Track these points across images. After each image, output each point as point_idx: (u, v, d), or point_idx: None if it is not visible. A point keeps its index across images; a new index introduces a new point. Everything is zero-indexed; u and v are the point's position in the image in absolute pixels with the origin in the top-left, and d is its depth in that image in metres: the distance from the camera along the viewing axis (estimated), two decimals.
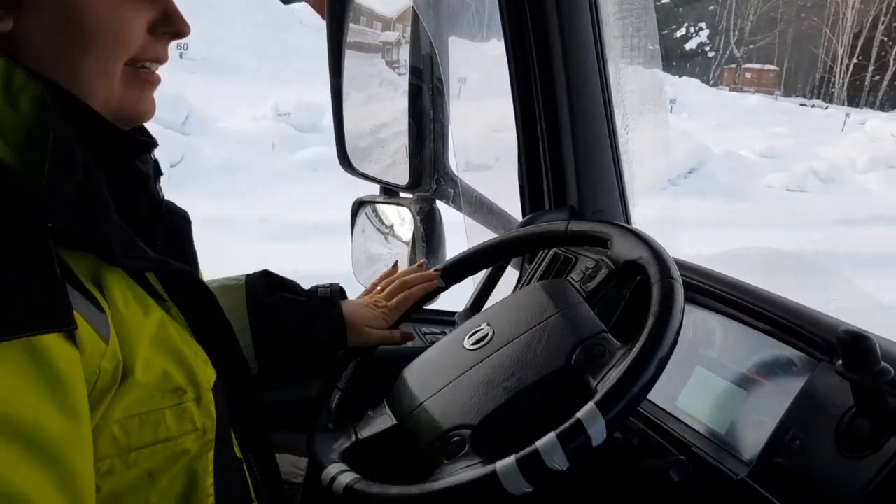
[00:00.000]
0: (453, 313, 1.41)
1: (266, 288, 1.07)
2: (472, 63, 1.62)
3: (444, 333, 1.27)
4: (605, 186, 1.44)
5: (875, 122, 17.70)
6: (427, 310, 1.44)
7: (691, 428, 1.02)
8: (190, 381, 0.71)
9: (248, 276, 1.09)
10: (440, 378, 0.97)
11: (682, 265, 1.13)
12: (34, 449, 0.54)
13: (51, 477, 0.55)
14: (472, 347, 0.99)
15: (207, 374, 0.74)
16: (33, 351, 0.55)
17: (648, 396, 1.06)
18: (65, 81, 0.67)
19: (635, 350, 0.78)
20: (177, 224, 0.81)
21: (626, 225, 1.10)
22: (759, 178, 11.58)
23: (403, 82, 1.69)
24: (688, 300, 1.11)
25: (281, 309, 1.06)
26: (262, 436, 0.85)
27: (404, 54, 1.69)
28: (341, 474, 0.83)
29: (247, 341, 1.02)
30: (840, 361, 0.78)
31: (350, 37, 1.70)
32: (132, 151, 0.75)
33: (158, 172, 0.83)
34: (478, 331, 1.01)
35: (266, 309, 1.05)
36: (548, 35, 1.38)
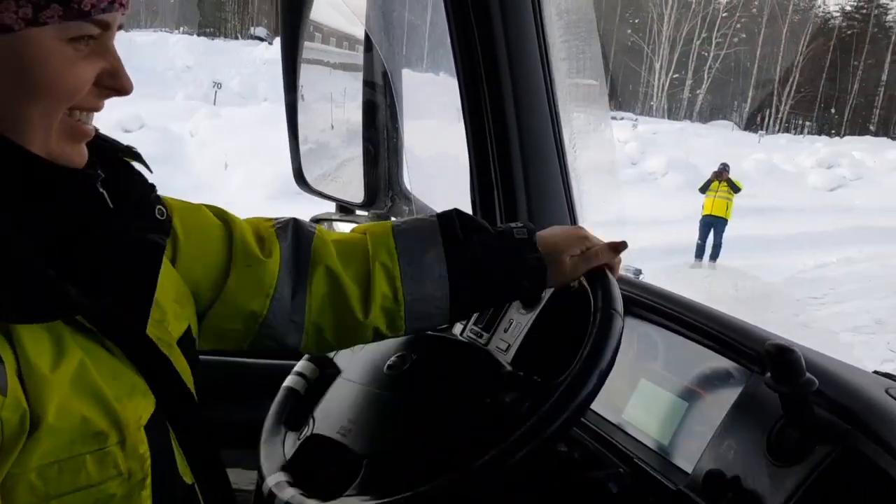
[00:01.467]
0: None
1: (461, 229, 1.04)
2: (422, 83, 1.65)
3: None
4: (554, 202, 1.47)
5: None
6: None
7: (636, 440, 1.06)
8: (113, 424, 0.70)
9: (440, 215, 1.07)
10: (360, 396, 1.02)
11: (625, 280, 1.17)
12: None
13: None
14: (387, 372, 1.03)
15: (139, 411, 0.74)
16: None
17: (595, 409, 1.11)
18: (5, 128, 0.68)
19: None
20: (138, 258, 0.79)
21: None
22: None
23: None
24: (632, 315, 1.15)
25: (477, 251, 1.03)
26: (212, 458, 0.85)
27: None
28: (279, 486, 0.86)
29: (444, 291, 1.02)
30: (769, 374, 0.82)
31: (307, 54, 1.72)
32: (74, 184, 0.74)
33: (144, 205, 0.82)
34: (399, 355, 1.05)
35: (464, 256, 1.03)
36: (496, 57, 1.41)
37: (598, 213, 1.52)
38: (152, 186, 0.84)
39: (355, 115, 1.74)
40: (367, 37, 1.60)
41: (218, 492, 0.85)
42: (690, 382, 1.04)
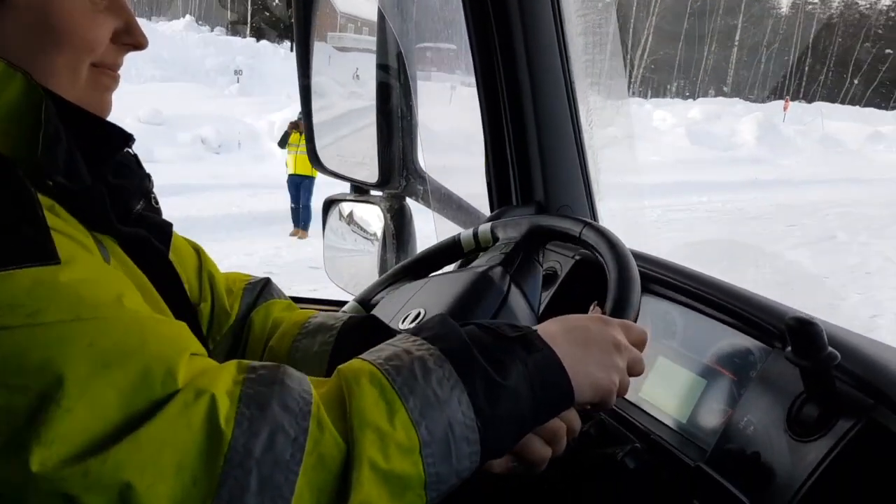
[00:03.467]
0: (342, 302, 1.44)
1: (362, 338, 0.90)
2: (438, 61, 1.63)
3: None
4: (570, 181, 1.46)
5: None
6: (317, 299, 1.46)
7: (653, 417, 1.05)
8: None
9: (350, 319, 1.00)
10: None
11: (642, 257, 1.15)
12: None
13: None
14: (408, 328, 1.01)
15: None
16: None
17: None
18: (35, 76, 0.71)
19: None
20: (154, 234, 0.84)
21: (589, 221, 1.12)
22: None
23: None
24: (649, 291, 1.14)
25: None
26: None
27: None
28: None
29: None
30: (789, 348, 0.80)
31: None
32: (112, 139, 0.78)
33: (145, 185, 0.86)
34: (410, 313, 1.03)
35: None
36: (511, 33, 1.39)
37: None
38: (149, 175, 0.89)
39: (369, 95, 1.73)
40: (380, 14, 1.58)
41: None
42: (709, 360, 1.03)
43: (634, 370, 0.79)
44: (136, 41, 0.80)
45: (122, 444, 0.55)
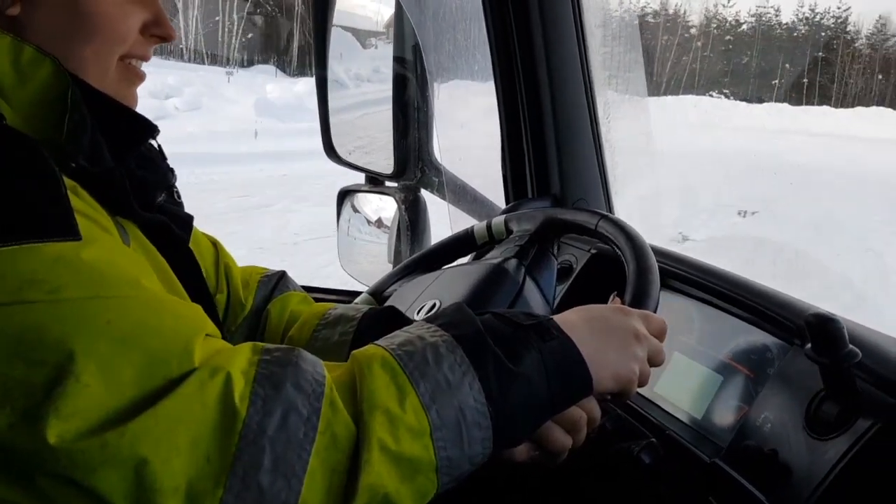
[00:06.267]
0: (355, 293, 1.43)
1: (383, 328, 0.87)
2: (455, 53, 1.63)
3: None
4: (587, 174, 1.45)
5: None
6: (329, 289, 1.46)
7: (668, 413, 1.03)
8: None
9: (370, 311, 1.00)
10: None
11: (658, 251, 1.14)
12: None
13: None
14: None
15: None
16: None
17: None
18: (66, 66, 0.72)
19: None
20: (173, 217, 0.86)
21: (605, 213, 1.11)
22: None
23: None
24: (665, 286, 1.13)
25: None
26: None
27: None
28: None
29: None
30: (809, 345, 0.79)
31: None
32: (137, 129, 0.79)
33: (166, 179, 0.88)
34: (425, 304, 1.03)
35: None
36: (530, 24, 1.38)
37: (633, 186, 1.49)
38: (172, 169, 0.90)
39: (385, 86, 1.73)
40: (397, 5, 1.58)
41: None
42: (725, 356, 1.02)
43: (655, 360, 0.79)
44: (165, 33, 0.82)
45: (139, 419, 0.56)
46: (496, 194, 1.59)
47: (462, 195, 1.62)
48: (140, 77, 0.82)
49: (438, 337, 0.68)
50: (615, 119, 1.41)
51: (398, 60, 1.69)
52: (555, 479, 0.87)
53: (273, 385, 0.61)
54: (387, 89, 1.71)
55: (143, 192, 0.79)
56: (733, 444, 0.89)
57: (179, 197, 0.90)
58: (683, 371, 1.06)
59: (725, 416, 0.96)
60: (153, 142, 0.85)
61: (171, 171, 0.88)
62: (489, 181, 1.57)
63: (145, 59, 0.82)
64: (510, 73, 1.43)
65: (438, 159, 1.65)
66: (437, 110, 1.62)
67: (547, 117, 1.42)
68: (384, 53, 1.77)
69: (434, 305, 1.05)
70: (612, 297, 0.91)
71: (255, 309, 1.04)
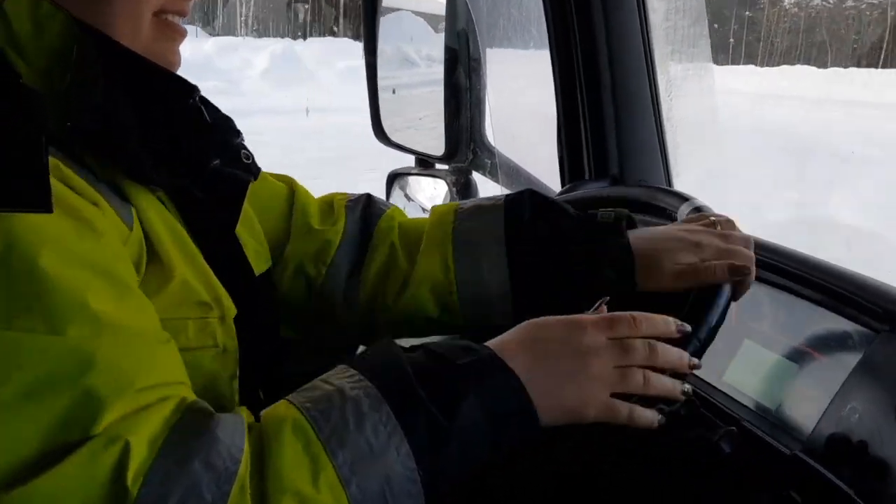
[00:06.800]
0: None
1: (530, 210, 0.92)
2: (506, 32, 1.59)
3: None
4: (647, 155, 1.40)
5: None
6: None
7: (739, 402, 0.98)
8: (214, 300, 0.71)
9: (509, 196, 0.95)
10: None
11: None
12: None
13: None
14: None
15: (229, 305, 0.73)
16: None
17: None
18: (91, 22, 0.68)
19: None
20: (225, 183, 0.78)
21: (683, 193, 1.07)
22: None
23: None
24: None
25: (542, 231, 0.90)
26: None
27: None
28: None
29: (502, 275, 0.90)
30: None
31: None
32: (170, 90, 0.74)
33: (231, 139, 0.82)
34: None
35: (529, 237, 0.90)
36: None
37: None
38: (240, 132, 0.83)
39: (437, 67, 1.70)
40: None
41: None
42: (801, 343, 0.96)
43: (655, 361, 0.70)
44: None
45: (16, 491, 0.50)
46: (551, 177, 1.55)
47: (515, 177, 1.58)
48: (181, 33, 0.75)
49: (361, 389, 0.61)
50: (678, 97, 1.35)
51: (450, 34, 1.66)
52: (630, 466, 0.83)
53: (178, 459, 0.53)
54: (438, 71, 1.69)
55: (191, 157, 0.74)
56: (815, 436, 0.83)
57: (248, 158, 0.81)
58: (755, 359, 1.01)
59: (804, 406, 0.90)
60: (213, 104, 0.80)
61: (237, 132, 0.82)
62: (544, 163, 1.53)
63: (183, 13, 0.75)
64: (567, 48, 1.39)
65: (491, 141, 1.61)
66: (489, 89, 1.58)
67: (606, 95, 1.37)
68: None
69: None
70: (598, 303, 0.78)
71: (351, 231, 0.98)
